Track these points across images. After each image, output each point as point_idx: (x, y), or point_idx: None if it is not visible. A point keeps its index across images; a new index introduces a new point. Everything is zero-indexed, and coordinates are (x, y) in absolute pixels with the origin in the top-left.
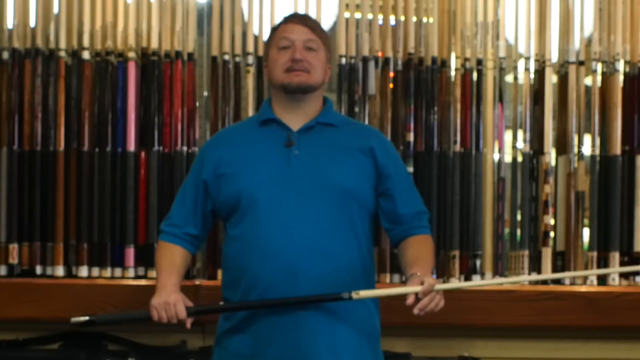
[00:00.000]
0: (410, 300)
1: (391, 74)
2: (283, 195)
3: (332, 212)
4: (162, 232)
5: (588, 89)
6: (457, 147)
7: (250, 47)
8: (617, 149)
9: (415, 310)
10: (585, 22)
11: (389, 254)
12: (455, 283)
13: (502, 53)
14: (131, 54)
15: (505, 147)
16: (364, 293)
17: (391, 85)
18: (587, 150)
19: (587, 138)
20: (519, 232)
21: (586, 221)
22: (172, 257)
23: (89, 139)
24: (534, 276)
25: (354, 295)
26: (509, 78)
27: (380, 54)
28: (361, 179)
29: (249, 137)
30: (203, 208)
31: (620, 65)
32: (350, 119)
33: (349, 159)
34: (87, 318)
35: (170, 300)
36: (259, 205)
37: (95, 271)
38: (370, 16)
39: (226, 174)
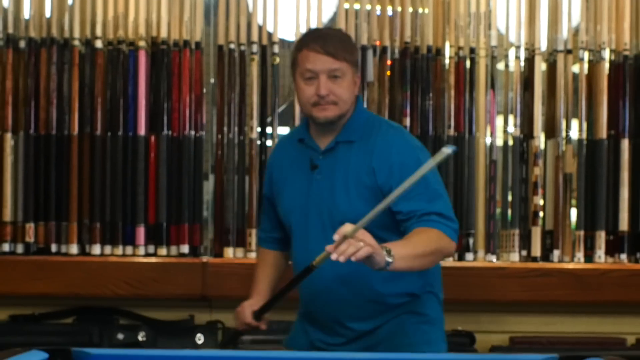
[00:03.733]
0: (329, 247)
1: (388, 62)
2: (304, 222)
3: None
4: (259, 238)
5: (575, 76)
6: (451, 131)
7: (255, 37)
8: (603, 133)
9: (333, 256)
10: (573, 13)
11: None
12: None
13: (493, 42)
14: (142, 43)
15: (497, 131)
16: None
17: (388, 73)
18: (574, 134)
19: (574, 123)
20: (509, 212)
21: (574, 201)
22: (262, 262)
23: (101, 124)
24: None
25: (315, 263)
26: (501, 66)
27: (378, 43)
28: (368, 205)
29: (289, 155)
30: (277, 216)
31: (606, 54)
32: (372, 117)
33: (359, 186)
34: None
35: (238, 309)
36: (292, 227)
37: (108, 249)
38: (368, 7)
39: (275, 194)
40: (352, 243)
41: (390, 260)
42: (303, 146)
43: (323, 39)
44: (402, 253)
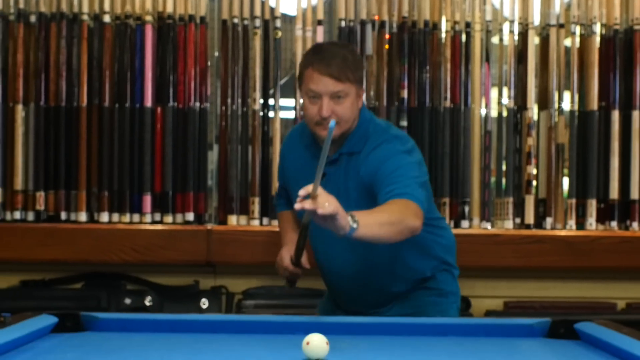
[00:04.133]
0: (297, 205)
1: (387, 36)
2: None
3: (353, 245)
4: (275, 206)
5: (567, 50)
6: (447, 103)
7: (258, 12)
8: (594, 104)
9: (297, 206)
10: None
11: None
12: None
13: (488, 17)
14: (148, 18)
15: (492, 103)
16: None
17: (387, 47)
18: (566, 105)
19: (566, 95)
20: (504, 180)
21: (566, 171)
22: (284, 219)
23: (109, 96)
24: None
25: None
26: (495, 40)
27: (376, 17)
28: (369, 207)
29: (299, 154)
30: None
31: (597, 28)
32: (369, 127)
33: (360, 191)
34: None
35: (277, 259)
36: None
37: (115, 217)
38: None
39: (287, 186)
40: (320, 201)
41: (354, 226)
42: (310, 152)
43: (327, 60)
44: (366, 221)
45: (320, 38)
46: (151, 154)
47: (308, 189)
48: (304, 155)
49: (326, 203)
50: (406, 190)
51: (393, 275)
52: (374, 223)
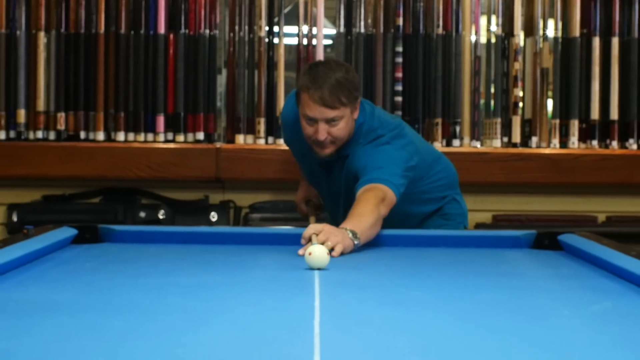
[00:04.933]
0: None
1: None
2: (321, 188)
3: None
4: None
5: None
6: (440, 30)
7: None
8: (576, 31)
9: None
10: None
11: None
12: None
13: None
14: None
15: (481, 30)
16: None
17: None
18: (550, 32)
19: (550, 22)
20: (492, 102)
21: (550, 93)
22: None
23: (125, 23)
24: None
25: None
26: None
27: None
28: None
29: (301, 143)
30: None
31: None
32: (360, 128)
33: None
34: None
35: (295, 203)
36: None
37: (131, 136)
38: None
39: (290, 148)
40: (330, 242)
41: (357, 242)
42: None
43: (321, 88)
44: (362, 231)
45: None
46: (164, 78)
47: (306, 237)
48: (304, 145)
49: (329, 241)
50: (382, 175)
51: (403, 221)
52: (366, 229)
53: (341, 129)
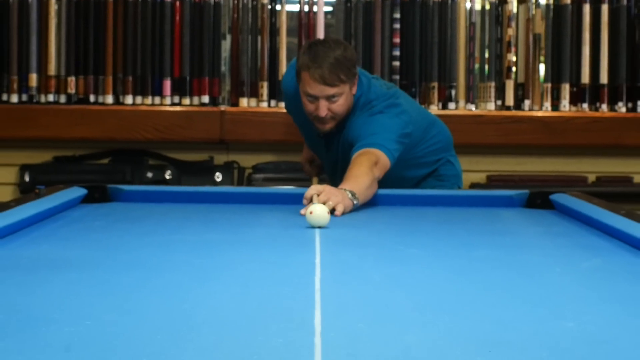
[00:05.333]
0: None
1: None
2: (320, 152)
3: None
4: None
5: None
6: None
7: None
8: None
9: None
10: None
11: None
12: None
13: None
14: None
15: None
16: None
17: None
18: None
19: None
20: (486, 67)
21: (542, 58)
22: None
23: None
24: None
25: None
26: None
27: None
28: None
29: (303, 115)
30: None
31: None
32: (358, 101)
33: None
34: None
35: (301, 161)
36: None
37: (139, 99)
38: None
39: (291, 116)
40: (331, 202)
41: (356, 202)
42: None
43: (320, 67)
44: (359, 191)
45: None
46: (171, 43)
47: (308, 197)
48: (304, 116)
49: (330, 201)
50: (375, 140)
51: (398, 185)
52: (364, 189)
53: (341, 105)
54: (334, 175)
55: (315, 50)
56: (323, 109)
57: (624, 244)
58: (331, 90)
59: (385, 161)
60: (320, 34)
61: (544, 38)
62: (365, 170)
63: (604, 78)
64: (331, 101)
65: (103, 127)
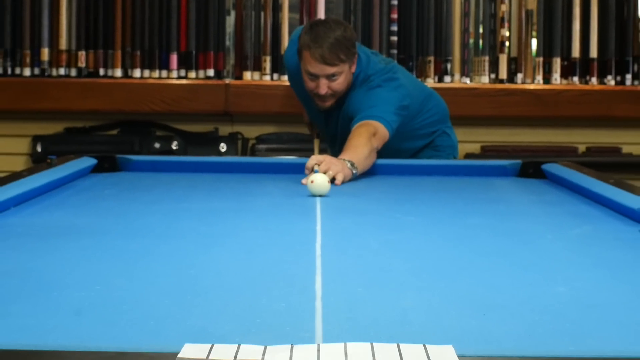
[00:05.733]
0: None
1: None
2: (322, 128)
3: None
4: None
5: None
6: None
7: None
8: None
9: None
10: None
11: None
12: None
13: None
14: None
15: None
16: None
17: None
18: None
19: None
20: (481, 41)
21: (534, 33)
22: None
23: None
24: None
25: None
26: None
27: None
28: None
29: (301, 84)
30: None
31: None
32: (356, 78)
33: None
34: None
35: (305, 121)
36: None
37: (146, 73)
38: None
39: (293, 89)
40: (331, 172)
41: (355, 172)
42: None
43: (321, 47)
44: (358, 161)
45: None
46: (177, 19)
47: (309, 167)
48: (305, 91)
49: (330, 171)
50: (374, 112)
51: (397, 154)
52: (362, 159)
53: (340, 83)
54: (334, 146)
55: (316, 30)
56: (323, 87)
57: (612, 212)
58: (331, 70)
59: (383, 132)
60: (321, 10)
61: (535, 14)
62: (364, 140)
63: (593, 52)
64: (331, 80)
65: (112, 99)
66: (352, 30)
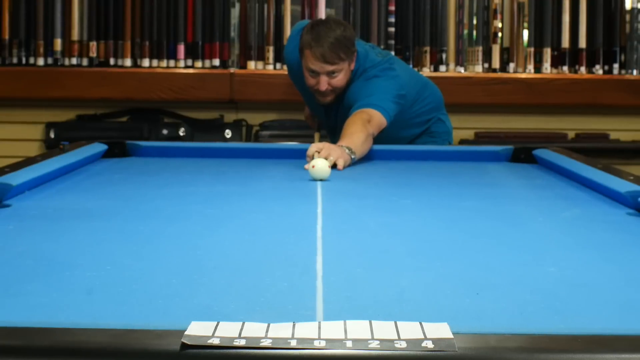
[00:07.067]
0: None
1: None
2: (322, 120)
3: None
4: None
5: None
6: None
7: None
8: None
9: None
10: None
11: None
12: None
13: None
14: None
15: None
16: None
17: None
18: None
19: None
20: (474, 32)
21: (525, 24)
22: None
23: None
24: None
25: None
26: None
27: None
28: None
29: (302, 78)
30: None
31: None
32: (362, 70)
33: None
34: None
35: (305, 114)
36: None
37: (155, 62)
38: None
39: (295, 85)
40: (332, 157)
41: (354, 157)
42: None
43: (322, 46)
44: (356, 146)
45: None
46: (184, 10)
47: (310, 155)
48: (306, 86)
49: (331, 156)
50: (371, 101)
51: (395, 142)
52: (360, 145)
53: (340, 79)
54: (334, 137)
55: (317, 30)
56: (323, 84)
57: (600, 195)
58: (331, 67)
59: (379, 118)
60: (322, 2)
61: (527, 6)
62: (359, 127)
63: (582, 43)
64: (331, 77)
65: (122, 88)
66: (352, 29)
